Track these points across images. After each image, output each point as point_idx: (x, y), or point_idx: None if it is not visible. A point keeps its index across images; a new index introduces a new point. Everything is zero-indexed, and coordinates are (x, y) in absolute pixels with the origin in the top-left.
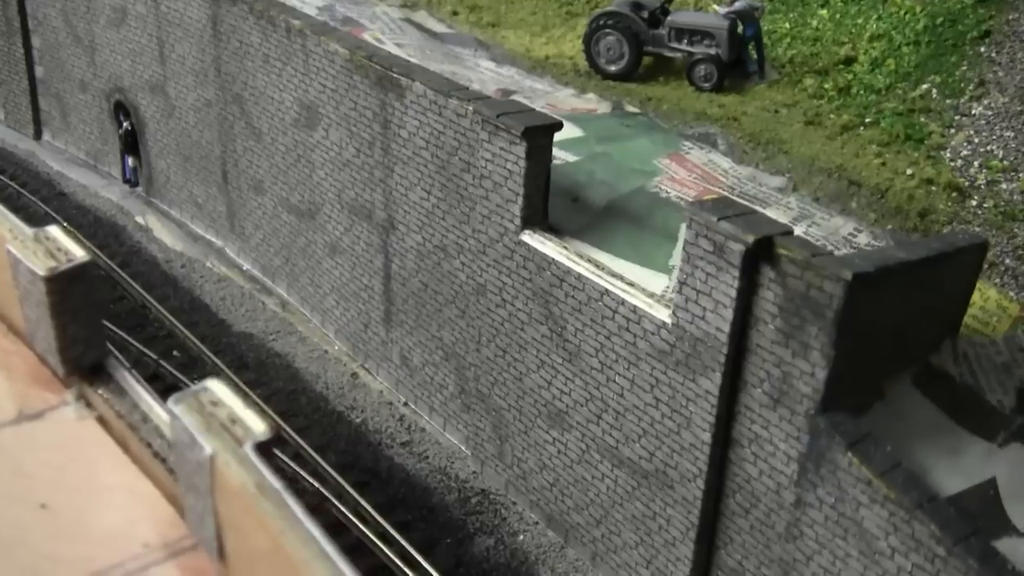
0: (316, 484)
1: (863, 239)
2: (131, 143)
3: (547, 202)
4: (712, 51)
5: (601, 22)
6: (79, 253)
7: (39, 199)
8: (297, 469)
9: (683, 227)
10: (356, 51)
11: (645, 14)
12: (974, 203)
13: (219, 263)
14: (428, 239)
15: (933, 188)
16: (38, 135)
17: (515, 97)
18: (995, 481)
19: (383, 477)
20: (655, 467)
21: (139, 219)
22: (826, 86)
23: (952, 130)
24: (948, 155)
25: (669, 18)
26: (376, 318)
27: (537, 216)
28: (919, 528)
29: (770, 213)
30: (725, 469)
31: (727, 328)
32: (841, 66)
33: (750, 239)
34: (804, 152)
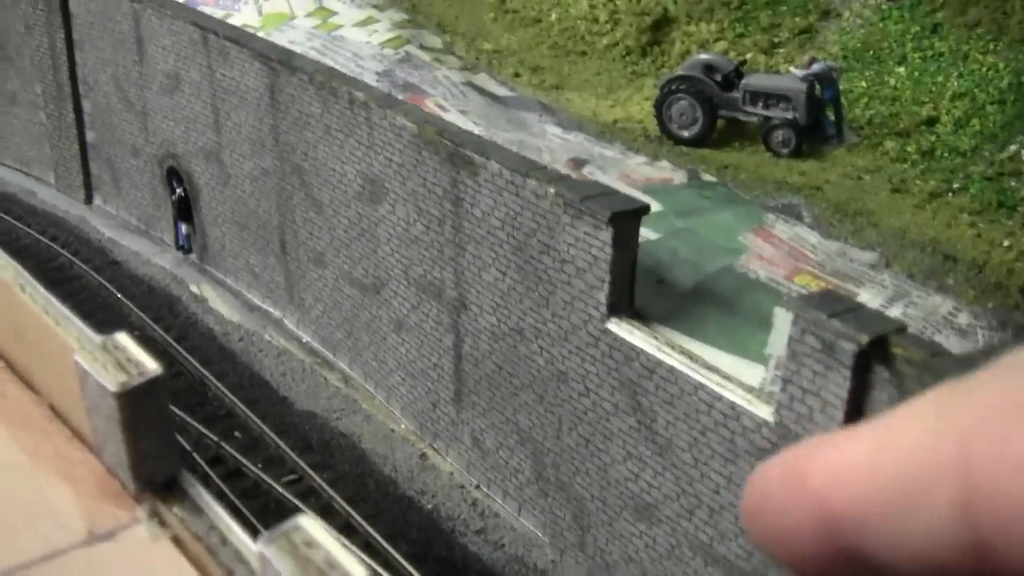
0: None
1: (963, 319)
2: (184, 209)
3: (634, 288)
4: (789, 115)
5: (673, 86)
6: (151, 366)
7: (91, 268)
8: (369, 561)
9: (777, 312)
10: (425, 126)
11: (718, 77)
12: None
13: (278, 335)
14: (503, 321)
15: None
16: (89, 200)
17: (587, 168)
18: None
19: (458, 567)
20: (753, 568)
21: (194, 288)
22: (908, 149)
23: None
24: None
25: (744, 81)
26: (445, 398)
27: (623, 303)
28: None
29: (864, 293)
30: None
31: (837, 429)
32: (923, 127)
33: (864, 339)
34: (893, 224)
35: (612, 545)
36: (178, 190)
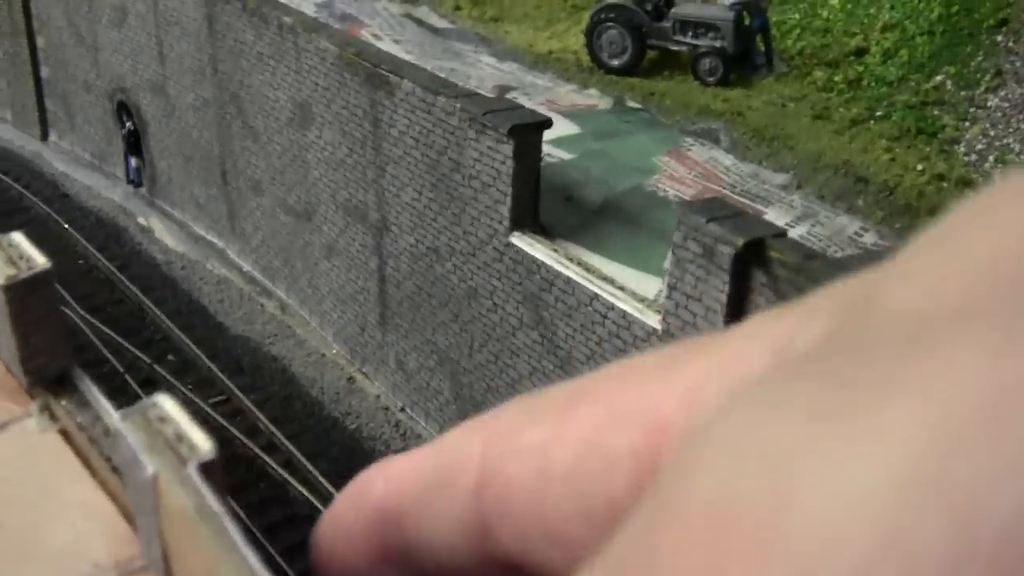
0: (306, 492)
1: (869, 238)
2: (134, 143)
3: (538, 202)
4: (717, 44)
5: (603, 15)
6: (40, 260)
7: (42, 200)
8: (287, 477)
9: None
10: (346, 48)
11: (649, 6)
12: None
13: (220, 265)
14: (420, 241)
15: (945, 184)
16: (45, 136)
17: (514, 93)
18: None
19: None
20: None
21: (141, 220)
22: (836, 79)
23: (967, 123)
24: (962, 149)
25: (673, 10)
26: (372, 321)
27: (527, 217)
28: None
29: (772, 212)
30: None
31: None
32: (852, 58)
33: (740, 242)
34: (810, 148)
35: None
36: (128, 124)
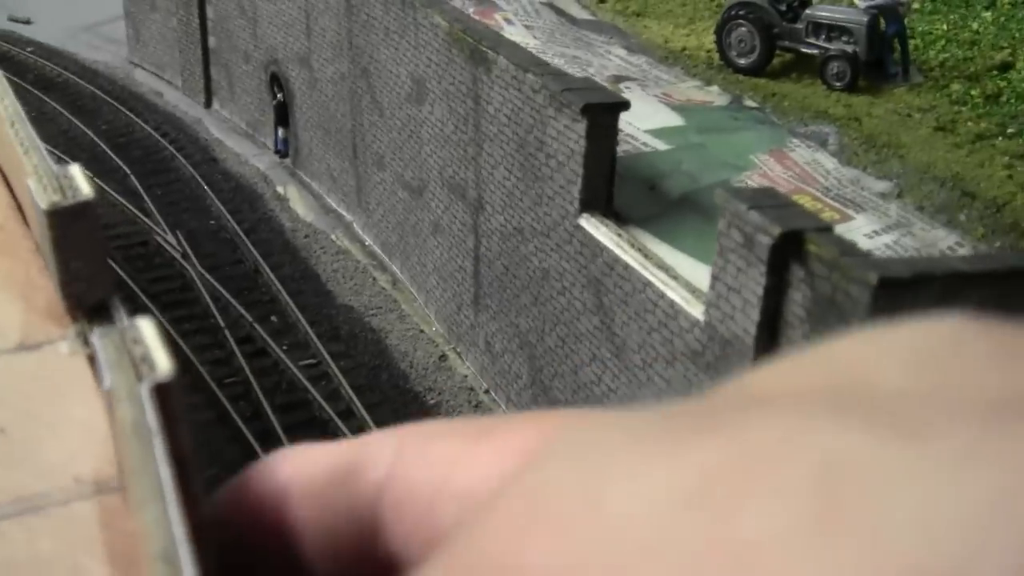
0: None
1: (963, 253)
2: (282, 114)
3: (611, 186)
4: (848, 48)
5: (733, 12)
6: (85, 190)
7: (191, 163)
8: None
9: None
10: (454, 23)
11: (783, 6)
12: None
13: (344, 237)
14: (509, 220)
15: None
16: (208, 104)
17: (629, 83)
18: None
19: None
20: None
21: (279, 188)
22: (973, 92)
23: None
24: None
25: (807, 11)
26: (467, 300)
27: (598, 201)
28: None
29: (862, 218)
30: None
31: (754, 330)
32: (995, 72)
33: (776, 231)
34: (922, 158)
35: None
36: (278, 95)
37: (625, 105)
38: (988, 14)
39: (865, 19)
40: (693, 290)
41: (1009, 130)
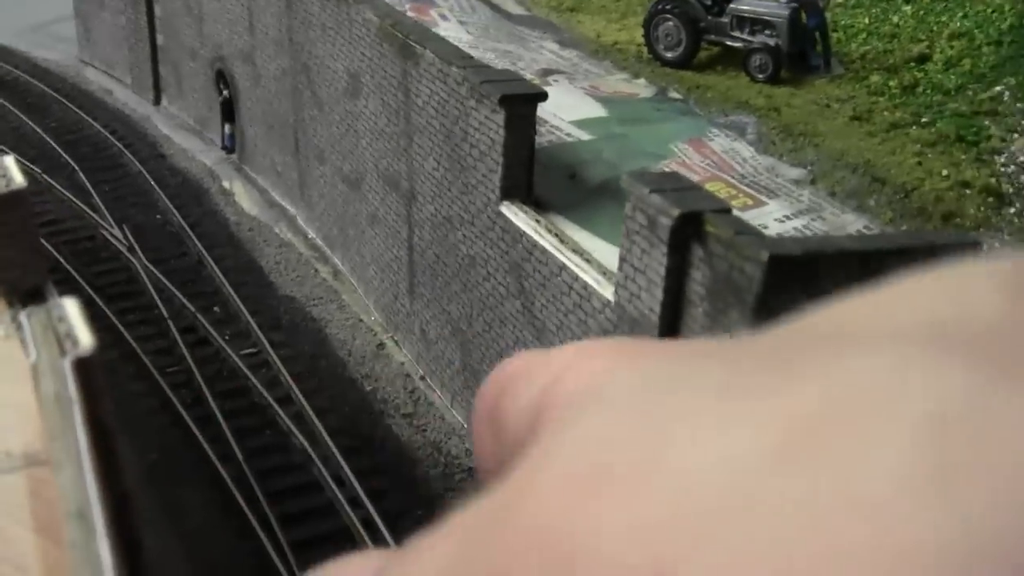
0: (305, 443)
1: None
2: (228, 110)
3: (531, 174)
4: (771, 41)
5: (661, 7)
6: (18, 179)
7: (138, 159)
8: (292, 428)
9: None
10: (384, 19)
11: (709, 1)
12: (1012, 211)
13: (287, 230)
14: (439, 210)
15: (967, 191)
16: (157, 101)
17: (557, 76)
18: None
19: (375, 445)
20: None
21: (225, 184)
22: (891, 83)
23: (1015, 135)
24: (1002, 160)
25: (731, 5)
26: (403, 289)
27: (519, 189)
28: None
29: (775, 204)
30: None
31: (658, 308)
32: (913, 64)
33: (675, 212)
34: (836, 146)
35: None
36: (224, 91)
37: (542, 96)
38: (908, 7)
39: (787, 13)
40: (604, 272)
41: (923, 119)
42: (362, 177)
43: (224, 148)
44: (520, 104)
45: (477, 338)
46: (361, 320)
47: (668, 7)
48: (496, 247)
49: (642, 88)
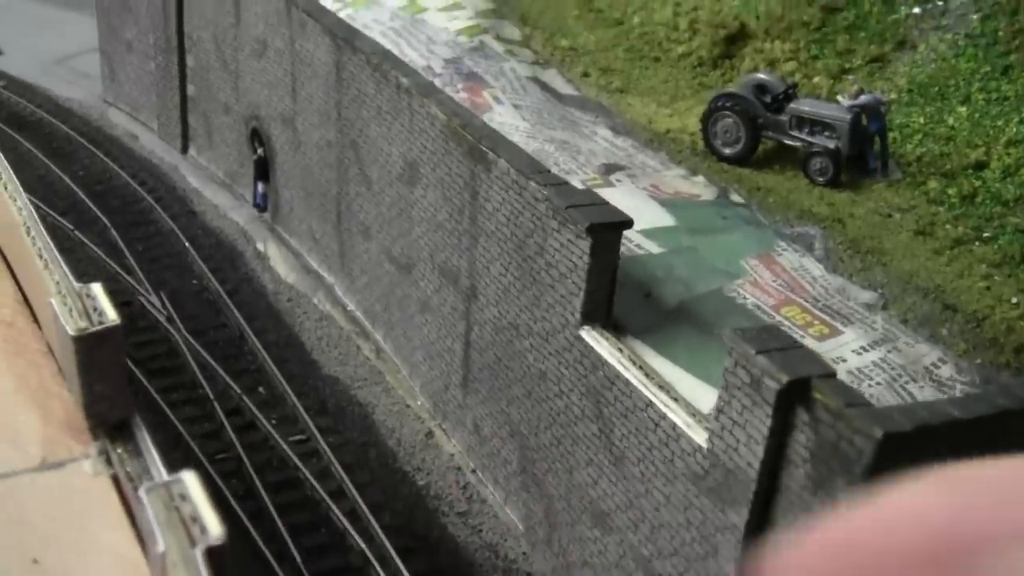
0: (362, 543)
1: (946, 371)
2: (262, 169)
3: (612, 298)
4: (831, 144)
5: (720, 103)
6: (111, 316)
7: (169, 215)
8: (347, 526)
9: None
10: (452, 117)
11: (768, 98)
12: None
13: (325, 300)
14: (504, 315)
15: None
16: (184, 149)
17: (619, 174)
18: None
19: (432, 545)
20: None
21: (259, 245)
22: (950, 191)
23: None
24: None
25: (791, 105)
26: (456, 381)
27: (599, 313)
28: None
29: (851, 332)
30: None
31: (757, 465)
32: (970, 171)
33: (784, 379)
34: (904, 266)
35: (572, 547)
36: (259, 150)
37: (628, 224)
38: (963, 109)
39: (848, 116)
40: (694, 413)
41: (985, 234)
42: (414, 263)
43: (256, 206)
44: (606, 232)
45: (543, 449)
46: (408, 405)
47: (728, 104)
48: (573, 369)
49: (702, 188)
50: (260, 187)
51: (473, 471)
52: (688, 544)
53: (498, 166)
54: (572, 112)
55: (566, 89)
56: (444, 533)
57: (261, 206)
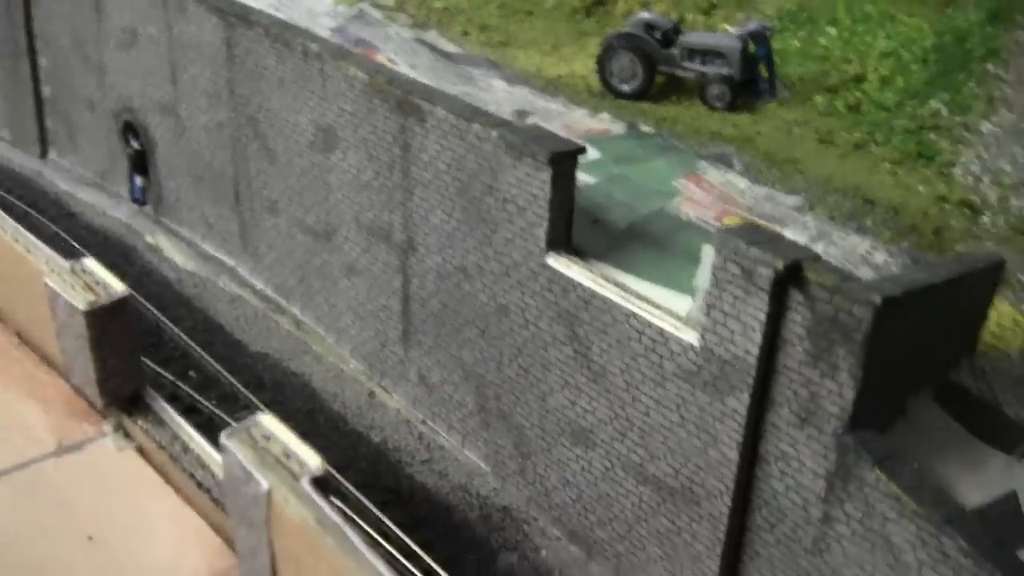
0: (338, 503)
1: (879, 257)
2: (139, 162)
3: (571, 225)
4: (724, 71)
5: (615, 42)
6: (118, 287)
7: (48, 219)
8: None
9: (705, 249)
10: (376, 75)
11: (658, 35)
12: (986, 219)
13: (231, 283)
14: (448, 260)
15: (946, 205)
16: (44, 154)
17: (532, 118)
18: (1016, 494)
19: (404, 495)
20: (681, 484)
21: (149, 239)
22: (836, 104)
23: (961, 147)
24: (959, 172)
25: (681, 38)
26: (394, 337)
27: (562, 240)
28: (947, 542)
29: (789, 233)
30: (751, 485)
31: (755, 350)
32: (851, 84)
33: (780, 264)
34: (819, 171)
35: (551, 470)
36: (134, 143)
37: (583, 150)
38: (832, 30)
39: (739, 43)
40: (677, 316)
41: (878, 138)
42: (335, 229)
43: (136, 200)
44: (566, 160)
45: (508, 383)
46: (342, 370)
47: (622, 43)
48: (540, 297)
49: (610, 123)
50: (138, 181)
51: (423, 421)
52: (684, 440)
53: (434, 115)
54: (464, 68)
55: (450, 48)
56: (413, 482)
57: (141, 200)
